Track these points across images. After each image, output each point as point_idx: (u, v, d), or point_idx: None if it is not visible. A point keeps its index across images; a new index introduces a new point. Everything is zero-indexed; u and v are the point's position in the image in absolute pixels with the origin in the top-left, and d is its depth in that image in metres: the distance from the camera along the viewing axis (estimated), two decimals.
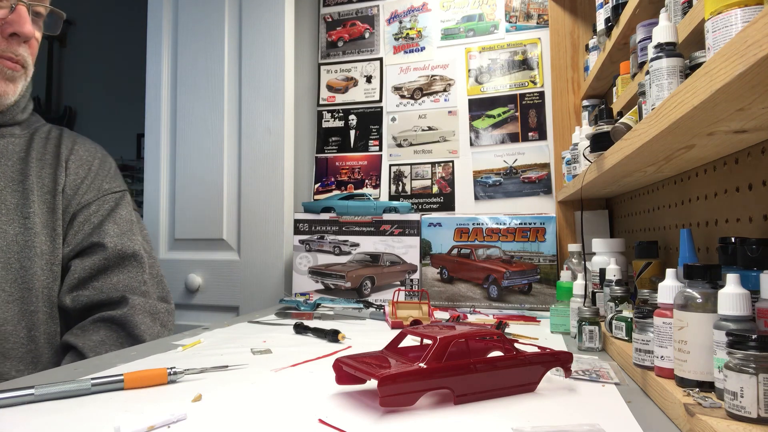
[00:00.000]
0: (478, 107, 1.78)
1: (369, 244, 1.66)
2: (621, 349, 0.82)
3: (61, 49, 3.80)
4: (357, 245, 1.67)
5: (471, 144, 1.78)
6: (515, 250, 1.55)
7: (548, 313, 1.21)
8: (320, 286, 1.67)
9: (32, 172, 0.97)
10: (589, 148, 1.06)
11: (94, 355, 0.92)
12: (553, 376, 0.74)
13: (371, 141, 1.89)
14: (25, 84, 0.97)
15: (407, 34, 1.87)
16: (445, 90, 1.82)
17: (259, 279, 1.81)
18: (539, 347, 0.73)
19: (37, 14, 0.96)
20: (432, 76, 1.84)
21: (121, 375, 0.69)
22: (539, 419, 0.58)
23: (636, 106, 0.87)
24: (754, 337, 0.47)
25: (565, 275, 1.22)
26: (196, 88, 1.93)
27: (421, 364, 0.61)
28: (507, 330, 1.12)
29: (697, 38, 0.74)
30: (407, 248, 1.64)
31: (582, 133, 1.28)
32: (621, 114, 1.11)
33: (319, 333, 1.08)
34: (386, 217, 1.66)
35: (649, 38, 0.86)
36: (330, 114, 1.94)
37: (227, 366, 0.80)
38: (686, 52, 0.71)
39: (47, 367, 0.94)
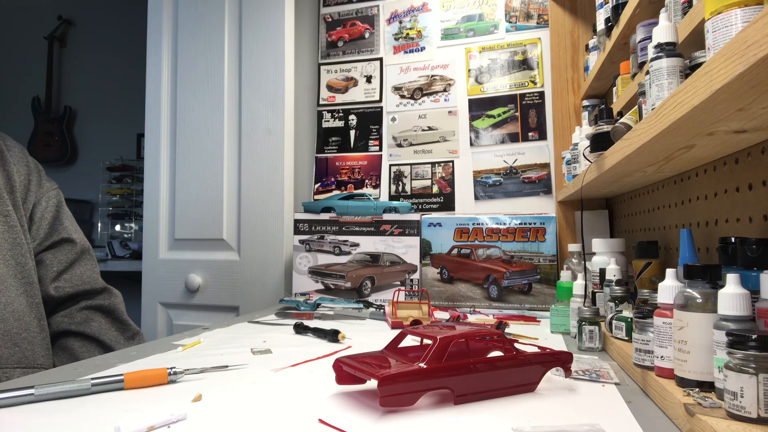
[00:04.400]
0: (478, 107, 1.78)
1: (369, 244, 1.66)
2: (621, 349, 0.82)
3: (61, 49, 3.80)
4: (357, 245, 1.67)
5: (471, 144, 1.78)
6: (515, 250, 1.55)
7: (548, 313, 1.21)
8: (320, 286, 1.67)
9: None
10: (589, 148, 1.06)
11: (107, 339, 1.00)
12: (553, 376, 0.74)
13: (371, 141, 1.89)
14: None
15: (407, 34, 1.87)
16: (445, 90, 1.82)
17: (259, 279, 1.81)
18: (539, 347, 0.73)
19: None
20: (432, 76, 1.84)
21: (121, 375, 0.69)
22: (539, 419, 0.58)
23: (636, 106, 0.87)
24: (754, 337, 0.47)
25: (565, 275, 1.22)
26: (196, 88, 1.93)
27: (421, 364, 0.61)
28: (507, 330, 1.12)
29: (697, 38, 0.74)
30: (407, 248, 1.64)
31: (582, 133, 1.28)
32: (621, 114, 1.11)
33: (319, 333, 1.08)
34: (386, 217, 1.66)
35: (649, 38, 0.86)
36: (330, 114, 1.94)
37: (227, 366, 0.80)
38: (686, 52, 0.71)
39: (53, 353, 0.98)
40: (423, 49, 1.85)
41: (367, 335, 1.11)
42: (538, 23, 1.75)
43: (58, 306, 1.02)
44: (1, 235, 0.92)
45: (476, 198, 1.76)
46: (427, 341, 0.69)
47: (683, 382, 0.58)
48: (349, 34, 1.94)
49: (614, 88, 1.26)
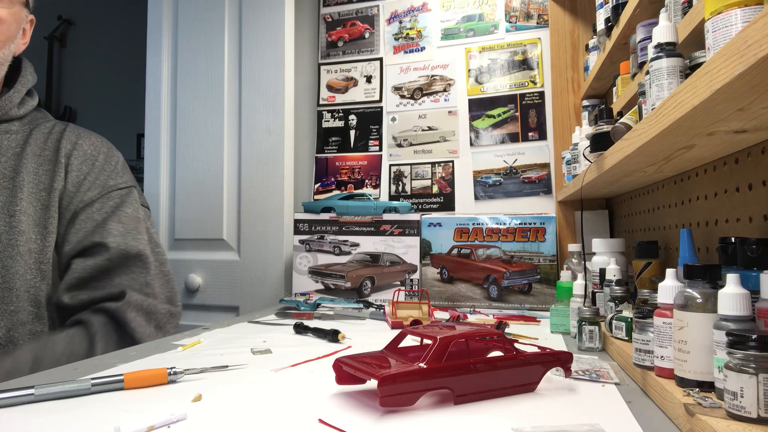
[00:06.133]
0: (478, 107, 1.78)
1: (369, 244, 1.66)
2: (621, 349, 0.82)
3: (61, 49, 3.80)
4: (357, 245, 1.67)
5: (471, 144, 1.78)
6: (515, 250, 1.55)
7: (548, 313, 1.21)
8: (320, 286, 1.67)
9: (25, 168, 0.96)
10: (589, 148, 1.06)
11: (99, 336, 0.91)
12: (553, 376, 0.74)
13: (371, 141, 1.89)
14: None
15: (407, 34, 1.87)
16: (445, 90, 1.82)
17: (259, 279, 1.81)
18: (539, 347, 0.72)
19: None
20: (432, 76, 1.84)
21: (121, 375, 0.69)
22: (539, 419, 0.58)
23: (636, 106, 0.87)
24: (754, 337, 0.47)
25: (565, 275, 1.22)
26: (196, 88, 1.93)
27: (421, 364, 0.61)
28: (507, 330, 1.12)
29: (697, 38, 0.74)
30: (407, 248, 1.64)
31: (582, 133, 1.28)
32: (621, 114, 1.11)
33: (319, 333, 1.07)
34: (386, 217, 1.66)
35: (649, 38, 0.86)
36: (330, 114, 1.94)
37: (227, 366, 0.80)
38: (686, 52, 0.71)
39: None
40: (423, 49, 1.85)
41: (367, 335, 1.11)
42: (538, 23, 1.75)
43: (75, 313, 0.96)
44: None
45: (476, 198, 1.76)
46: (427, 341, 0.69)
47: (683, 382, 0.58)
48: (349, 34, 1.94)
49: (614, 88, 1.26)
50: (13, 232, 0.92)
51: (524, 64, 1.75)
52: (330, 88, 1.95)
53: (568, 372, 0.71)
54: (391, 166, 1.86)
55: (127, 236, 1.00)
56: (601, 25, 1.28)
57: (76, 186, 0.99)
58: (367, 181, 1.87)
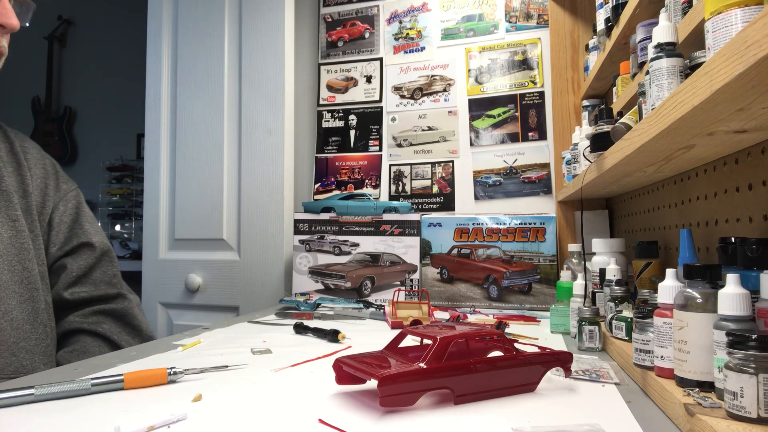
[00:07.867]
0: (478, 107, 1.78)
1: (369, 244, 1.66)
2: (621, 349, 0.82)
3: (61, 49, 3.80)
4: (357, 245, 1.67)
5: (471, 144, 1.78)
6: (515, 250, 1.55)
7: (548, 313, 1.21)
8: (320, 286, 1.67)
9: (4, 173, 0.95)
10: (589, 148, 1.06)
11: (118, 340, 1.00)
12: (553, 376, 0.74)
13: (371, 141, 1.89)
14: None
15: (407, 34, 1.87)
16: (445, 90, 1.82)
17: (259, 279, 1.81)
18: (539, 347, 0.73)
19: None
20: (432, 76, 1.84)
21: (121, 375, 0.69)
22: (539, 419, 0.58)
23: (636, 106, 0.87)
24: (754, 337, 0.47)
25: (565, 275, 1.22)
26: (196, 88, 1.93)
27: (421, 364, 0.61)
28: (507, 330, 1.12)
29: (697, 38, 0.74)
30: (407, 248, 1.64)
31: (582, 133, 1.28)
32: (621, 114, 1.11)
33: (319, 333, 1.08)
34: (386, 217, 1.66)
35: (649, 38, 0.86)
36: (330, 114, 1.94)
37: (227, 366, 0.80)
38: (686, 52, 0.71)
39: (66, 347, 0.98)
40: (423, 49, 1.85)
41: (367, 335, 1.11)
42: (538, 23, 1.75)
43: (72, 308, 1.01)
44: (9, 240, 0.91)
45: (476, 198, 1.76)
46: (427, 341, 0.69)
47: (683, 382, 0.58)
48: (349, 34, 1.94)
49: (614, 88, 1.26)
50: (21, 236, 0.93)
51: (524, 64, 1.75)
52: (330, 88, 1.95)
53: (568, 372, 0.71)
54: (391, 166, 1.86)
55: (98, 234, 1.08)
56: (601, 25, 1.28)
57: (42, 190, 1.01)
58: (367, 181, 1.87)
